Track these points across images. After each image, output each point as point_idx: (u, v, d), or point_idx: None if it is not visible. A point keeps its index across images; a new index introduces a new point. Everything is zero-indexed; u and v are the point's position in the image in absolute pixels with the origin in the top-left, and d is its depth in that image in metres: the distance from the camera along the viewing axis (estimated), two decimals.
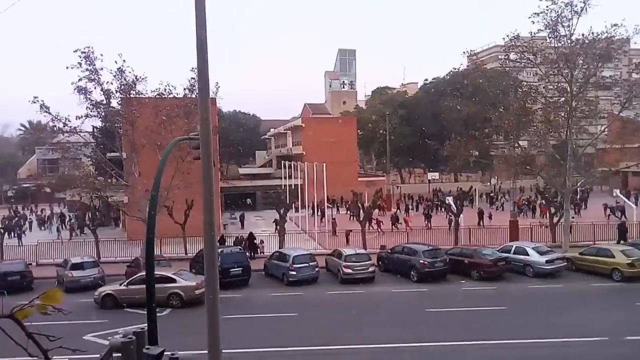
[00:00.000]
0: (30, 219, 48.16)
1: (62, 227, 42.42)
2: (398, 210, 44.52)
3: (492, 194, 53.98)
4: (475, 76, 32.24)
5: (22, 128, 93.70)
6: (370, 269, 25.16)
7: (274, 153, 75.04)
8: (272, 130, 76.98)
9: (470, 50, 35.31)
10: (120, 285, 22.00)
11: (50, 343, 1.80)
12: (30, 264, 27.66)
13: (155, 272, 22.81)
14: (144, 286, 21.70)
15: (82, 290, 23.47)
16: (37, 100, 25.76)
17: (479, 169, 65.53)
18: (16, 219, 45.09)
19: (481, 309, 20.18)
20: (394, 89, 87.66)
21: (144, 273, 22.87)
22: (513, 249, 26.30)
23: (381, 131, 66.97)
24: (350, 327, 18.20)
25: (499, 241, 30.25)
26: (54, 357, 1.83)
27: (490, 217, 39.20)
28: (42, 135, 31.04)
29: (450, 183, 69.55)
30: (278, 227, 31.62)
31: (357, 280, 24.58)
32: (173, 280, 21.70)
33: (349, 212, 44.97)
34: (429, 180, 64.26)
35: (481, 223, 38.04)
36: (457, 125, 55.54)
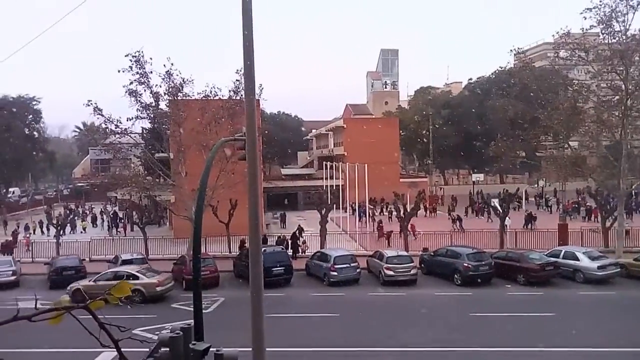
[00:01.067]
0: (83, 215, 50.51)
1: (113, 224, 44.24)
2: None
3: (547, 197, 52.21)
4: (523, 75, 31.15)
5: (77, 130, 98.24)
6: (413, 272, 24.90)
7: (315, 154, 75.37)
8: (313, 131, 77.32)
9: (518, 48, 34.26)
10: (89, 281, 23.67)
11: (119, 334, 1.92)
12: (84, 260, 28.94)
13: (122, 270, 24.36)
14: (110, 282, 22.56)
15: None
16: (91, 103, 27.02)
17: (526, 171, 63.52)
18: (71, 216, 47.28)
19: (528, 314, 19.60)
20: (437, 88, 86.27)
21: (109, 270, 24.57)
22: (562, 253, 25.39)
23: (424, 132, 66.02)
24: (392, 329, 18.10)
25: (547, 245, 29.25)
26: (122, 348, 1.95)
27: (534, 219, 37.95)
28: (95, 136, 32.42)
29: (495, 184, 67.73)
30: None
31: (399, 283, 24.40)
32: (136, 277, 23.02)
33: (383, 213, 44.53)
34: (474, 182, 62.77)
35: (528, 226, 36.90)
36: (503, 126, 53.93)
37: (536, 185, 57.85)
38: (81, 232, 41.99)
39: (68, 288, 23.20)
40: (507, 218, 31.79)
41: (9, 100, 56.96)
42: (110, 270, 24.58)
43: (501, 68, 69.40)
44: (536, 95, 29.63)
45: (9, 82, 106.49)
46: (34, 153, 60.19)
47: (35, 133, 61.10)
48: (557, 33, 27.94)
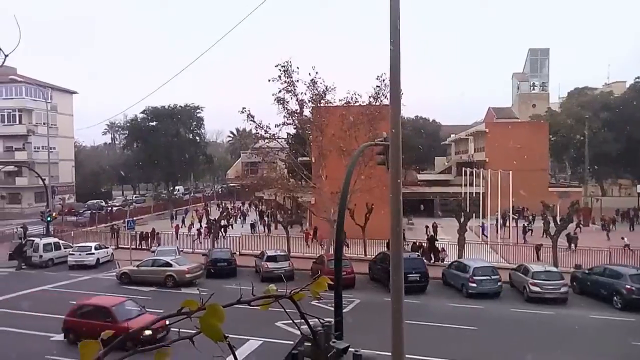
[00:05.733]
0: (235, 214, 55.51)
1: (261, 223, 47.91)
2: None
3: None
4: None
5: (231, 135, 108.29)
6: (563, 290, 22.85)
7: (453, 159, 72.93)
8: (452, 135, 74.91)
9: None
10: (134, 266, 27.22)
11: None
12: (235, 253, 31.77)
13: (159, 258, 27.06)
14: (150, 268, 26.34)
15: (275, 280, 26.10)
16: (245, 110, 29.63)
17: None
18: (225, 213, 52.17)
19: None
20: (595, 89, 77.59)
21: (149, 258, 27.62)
22: None
23: (578, 137, 59.94)
24: (537, 350, 16.84)
25: None
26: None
27: None
28: (246, 141, 35.53)
29: None
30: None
31: (546, 300, 22.57)
32: (170, 265, 26.09)
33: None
34: (638, 194, 55.02)
35: None
36: None
37: None
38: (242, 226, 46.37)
39: (117, 271, 27.59)
40: None
41: (177, 109, 64.98)
42: (150, 258, 28.04)
43: None
44: None
45: (176, 91, 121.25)
46: (196, 156, 67.70)
47: (197, 138, 68.71)
48: None
